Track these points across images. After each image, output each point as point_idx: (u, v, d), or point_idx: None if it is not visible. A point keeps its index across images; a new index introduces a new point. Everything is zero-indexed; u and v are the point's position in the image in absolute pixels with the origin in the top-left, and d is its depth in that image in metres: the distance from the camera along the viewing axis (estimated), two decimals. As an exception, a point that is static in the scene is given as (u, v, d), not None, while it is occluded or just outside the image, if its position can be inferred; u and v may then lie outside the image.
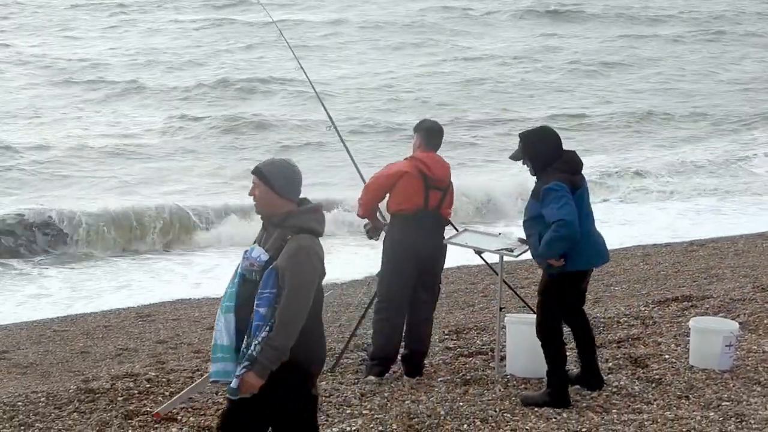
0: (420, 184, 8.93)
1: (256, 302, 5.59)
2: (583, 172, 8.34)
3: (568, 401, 8.24)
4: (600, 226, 8.55)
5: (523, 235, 8.48)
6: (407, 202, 8.89)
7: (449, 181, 9.20)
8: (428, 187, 8.98)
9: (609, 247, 8.54)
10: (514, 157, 8.37)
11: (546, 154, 8.18)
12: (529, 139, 8.25)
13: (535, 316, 8.52)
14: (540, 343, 8.31)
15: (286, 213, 5.78)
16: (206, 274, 16.31)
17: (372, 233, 9.36)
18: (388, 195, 9.08)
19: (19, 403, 8.64)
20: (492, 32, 44.94)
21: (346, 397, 8.50)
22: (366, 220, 9.33)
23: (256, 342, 5.55)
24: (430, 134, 9.22)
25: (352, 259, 16.29)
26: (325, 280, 5.85)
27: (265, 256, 5.68)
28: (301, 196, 5.90)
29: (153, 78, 34.21)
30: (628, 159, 25.62)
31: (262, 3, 14.07)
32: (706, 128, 29.92)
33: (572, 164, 8.23)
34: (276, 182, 5.78)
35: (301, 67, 11.21)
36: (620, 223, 19.78)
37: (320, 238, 5.79)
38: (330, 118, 10.56)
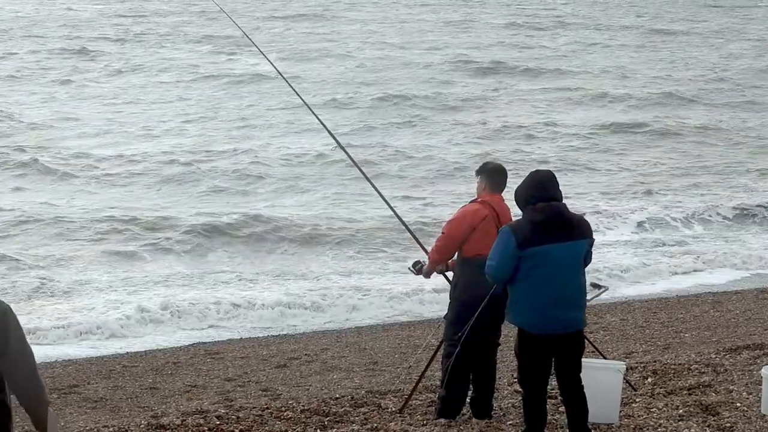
0: (495, 229, 8.80)
1: None
2: None
3: None
4: None
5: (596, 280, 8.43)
6: (486, 248, 8.43)
7: None
8: None
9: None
10: None
11: (519, 193, 8.11)
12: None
13: (605, 361, 8.43)
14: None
15: None
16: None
17: (427, 272, 9.37)
18: None
19: (90, 438, 8.75)
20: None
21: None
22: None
23: None
24: (494, 176, 9.19)
25: (424, 299, 16.07)
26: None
27: None
28: None
29: None
30: None
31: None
32: None
33: (539, 213, 7.97)
34: None
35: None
36: None
37: None
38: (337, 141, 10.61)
